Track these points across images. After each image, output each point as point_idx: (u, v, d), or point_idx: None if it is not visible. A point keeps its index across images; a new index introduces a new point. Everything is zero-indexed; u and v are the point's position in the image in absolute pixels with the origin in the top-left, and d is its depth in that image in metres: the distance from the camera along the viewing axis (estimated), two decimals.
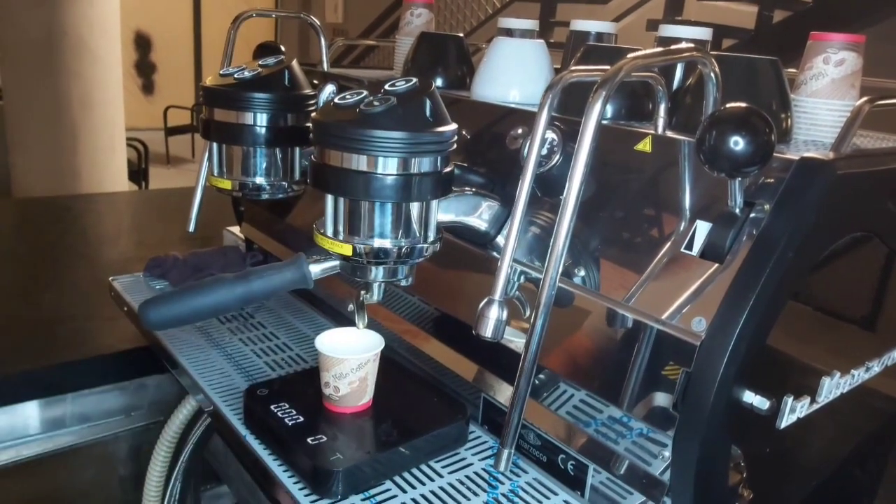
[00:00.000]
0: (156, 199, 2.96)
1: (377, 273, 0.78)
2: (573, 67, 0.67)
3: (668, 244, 0.71)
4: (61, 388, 1.36)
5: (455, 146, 0.75)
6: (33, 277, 1.76)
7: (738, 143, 0.59)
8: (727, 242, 0.66)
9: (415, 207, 0.75)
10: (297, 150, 1.00)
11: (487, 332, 0.68)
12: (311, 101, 0.99)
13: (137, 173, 5.77)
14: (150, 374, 1.44)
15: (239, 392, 0.96)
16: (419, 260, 0.77)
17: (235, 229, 1.58)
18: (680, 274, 0.69)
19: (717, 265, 0.67)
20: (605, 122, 0.86)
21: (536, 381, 0.83)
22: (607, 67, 0.67)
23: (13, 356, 1.35)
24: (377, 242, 0.74)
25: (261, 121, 0.94)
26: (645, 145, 0.76)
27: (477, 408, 0.95)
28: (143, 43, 8.89)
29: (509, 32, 1.16)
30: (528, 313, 0.87)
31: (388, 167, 0.70)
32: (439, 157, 0.73)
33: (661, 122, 0.77)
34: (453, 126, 0.74)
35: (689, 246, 0.69)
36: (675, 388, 0.67)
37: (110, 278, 1.32)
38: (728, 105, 0.62)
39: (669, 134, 0.76)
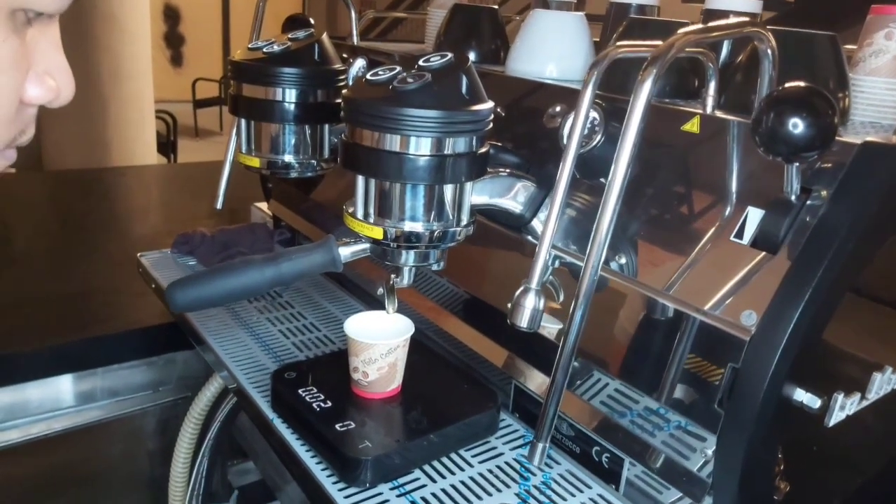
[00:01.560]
0: (184, 172, 2.97)
1: (408, 257, 0.75)
2: (620, 43, 0.63)
3: (715, 231, 0.67)
4: (91, 363, 1.36)
5: (491, 126, 0.71)
6: (63, 251, 1.77)
7: (797, 125, 0.55)
8: (782, 231, 0.62)
9: (448, 190, 0.72)
10: (327, 126, 0.97)
11: (523, 322, 0.65)
12: (341, 76, 0.96)
13: (166, 146, 5.81)
14: (178, 350, 1.44)
15: (266, 372, 0.95)
16: (452, 244, 0.74)
17: (263, 206, 1.56)
18: (727, 263, 0.65)
19: (768, 255, 0.63)
20: (656, 101, 0.82)
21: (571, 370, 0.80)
22: (656, 43, 0.64)
23: (44, 330, 1.35)
24: (408, 226, 0.71)
25: (290, 97, 0.92)
26: (693, 125, 0.72)
27: (508, 395, 0.92)
28: (171, 15, 8.90)
29: (546, 4, 1.12)
30: (561, 298, 0.85)
31: (421, 147, 0.67)
32: (475, 138, 0.70)
33: (710, 101, 0.72)
34: (490, 104, 0.70)
35: (740, 234, 0.65)
36: (719, 384, 0.64)
37: (138, 254, 1.31)
38: (787, 85, 0.58)
39: (719, 114, 0.72)
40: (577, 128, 0.63)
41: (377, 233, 0.72)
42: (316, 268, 0.75)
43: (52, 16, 0.45)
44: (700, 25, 0.60)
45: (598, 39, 1.05)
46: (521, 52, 0.98)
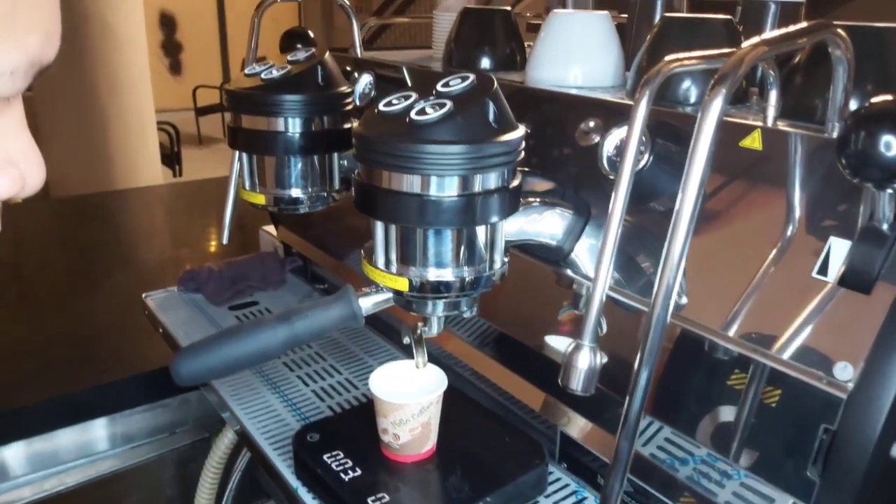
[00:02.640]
0: (190, 190, 2.89)
1: (436, 307, 0.67)
2: (673, 56, 0.54)
3: (791, 266, 0.58)
4: (102, 411, 1.30)
5: (523, 154, 0.63)
6: (68, 287, 1.70)
7: (893, 146, 0.46)
8: (876, 267, 0.53)
9: (479, 231, 0.63)
10: (336, 155, 0.89)
11: (577, 386, 0.56)
12: (347, 99, 0.87)
13: (170, 157, 5.74)
14: (193, 389, 1.36)
15: (285, 428, 0.87)
16: (485, 290, 0.65)
17: (272, 229, 1.48)
18: (810, 305, 0.56)
19: (860, 295, 0.54)
20: (687, 110, 0.73)
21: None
22: (714, 53, 0.55)
23: (50, 379, 1.29)
24: (436, 274, 0.63)
25: (294, 126, 0.83)
26: (753, 141, 0.63)
27: (553, 441, 0.84)
28: (167, 23, 8.81)
29: (563, 3, 1.02)
30: (604, 330, 0.76)
31: (447, 188, 0.59)
32: (507, 170, 0.61)
33: (771, 112, 0.63)
34: (521, 131, 0.62)
35: (823, 270, 0.56)
36: (804, 445, 0.55)
37: (143, 295, 1.23)
38: (879, 100, 0.48)
39: (783, 127, 0.63)
40: (628, 153, 0.54)
41: (401, 284, 0.64)
42: (334, 324, 0.67)
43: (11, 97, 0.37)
44: (770, 34, 0.51)
45: None
46: (542, 59, 0.89)
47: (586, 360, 0.56)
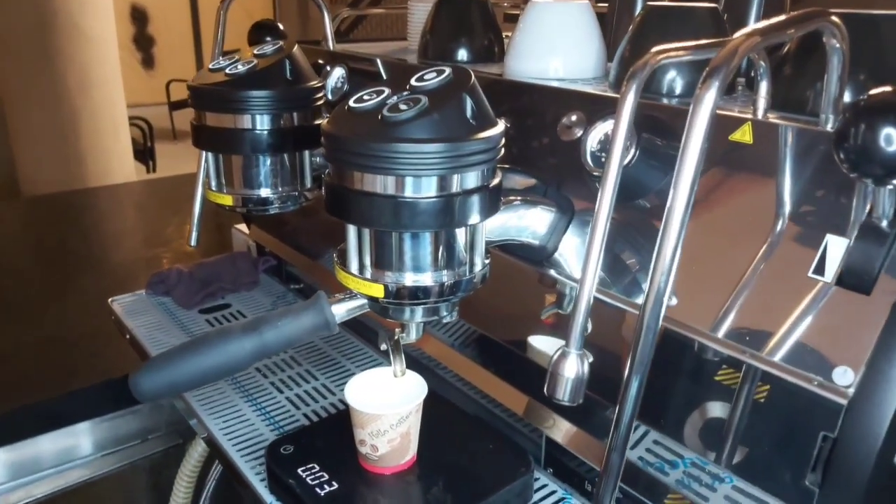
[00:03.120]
0: (163, 187, 2.83)
1: (414, 313, 0.63)
2: (660, 48, 0.51)
3: (785, 265, 0.56)
4: (71, 419, 1.25)
5: (503, 152, 0.59)
6: (36, 289, 1.64)
7: (894, 140, 0.44)
8: (876, 266, 0.50)
9: (459, 233, 0.60)
10: (307, 153, 0.85)
11: (564, 395, 0.53)
12: (318, 94, 0.83)
13: (143, 152, 5.64)
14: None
15: (256, 439, 0.83)
16: (465, 294, 0.62)
17: (244, 227, 1.44)
18: (806, 306, 0.54)
19: (859, 295, 0.51)
20: (673, 102, 0.70)
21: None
22: (703, 43, 0.52)
23: (18, 386, 1.24)
24: (413, 279, 0.60)
25: (261, 124, 0.79)
26: (744, 134, 0.60)
27: (537, 446, 0.81)
28: (139, 16, 8.65)
29: None
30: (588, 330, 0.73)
31: (423, 189, 0.55)
32: (487, 169, 0.58)
33: (762, 104, 0.60)
34: (500, 126, 0.58)
35: (820, 269, 0.53)
36: (808, 454, 0.53)
37: (110, 300, 1.18)
38: (879, 91, 0.46)
39: (774, 119, 0.60)
40: (615, 153, 0.51)
41: (377, 290, 0.60)
42: (306, 333, 0.63)
43: None
44: (763, 23, 0.48)
45: None
46: (521, 50, 0.86)
47: (573, 369, 0.53)
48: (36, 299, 1.58)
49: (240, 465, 0.80)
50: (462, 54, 0.98)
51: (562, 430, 0.79)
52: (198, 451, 1.13)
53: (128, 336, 1.10)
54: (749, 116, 0.61)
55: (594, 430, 0.75)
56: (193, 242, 1.02)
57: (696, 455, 0.66)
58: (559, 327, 0.78)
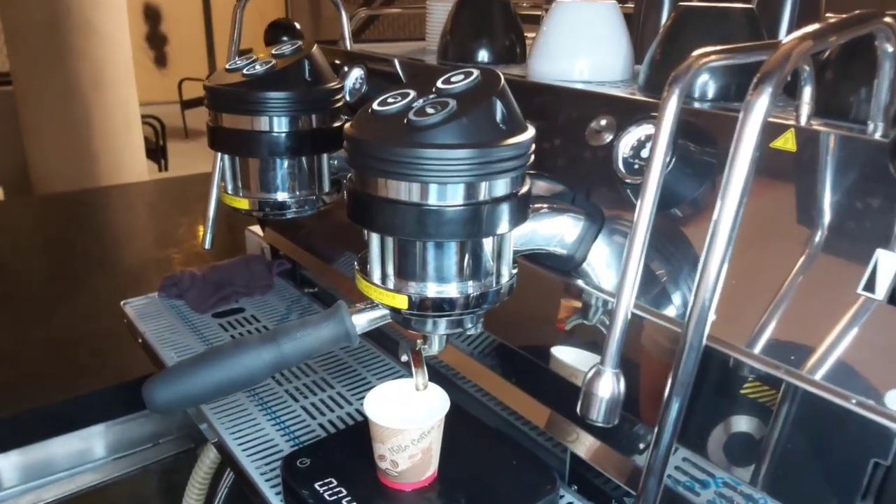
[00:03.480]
0: (177, 187, 2.81)
1: (438, 325, 0.61)
2: (705, 50, 0.49)
3: (831, 282, 0.53)
4: (81, 423, 1.23)
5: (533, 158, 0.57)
6: (46, 290, 1.63)
7: None
8: None
9: (486, 243, 0.57)
10: (325, 156, 0.83)
11: (598, 416, 0.51)
12: (337, 95, 0.81)
13: (155, 151, 5.65)
14: None
15: (272, 451, 0.81)
16: (492, 307, 0.60)
17: (259, 229, 1.42)
18: (854, 325, 0.51)
19: None
20: (705, 106, 0.67)
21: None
22: (749, 45, 0.49)
23: (28, 389, 1.22)
24: (438, 290, 0.57)
25: (279, 126, 0.77)
26: (786, 141, 0.57)
27: (561, 461, 0.79)
28: (152, 15, 8.67)
29: None
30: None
31: (450, 196, 0.53)
32: (516, 176, 0.55)
33: (805, 110, 0.57)
34: (531, 132, 0.56)
35: (870, 286, 0.50)
36: (856, 481, 0.50)
37: (122, 303, 1.17)
38: None
39: (817, 126, 0.57)
40: (656, 161, 0.48)
41: (400, 301, 0.58)
42: (326, 345, 0.61)
43: None
44: (815, 27, 0.45)
45: None
46: (545, 51, 0.83)
47: (608, 388, 0.50)
48: (45, 299, 1.57)
49: (253, 475, 0.77)
50: (483, 55, 0.95)
51: (585, 445, 0.76)
52: (210, 456, 1.11)
53: (140, 340, 1.08)
54: (792, 123, 0.58)
55: (620, 446, 0.72)
56: (208, 245, 1.00)
57: (729, 475, 0.64)
58: (583, 338, 0.75)
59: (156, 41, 8.80)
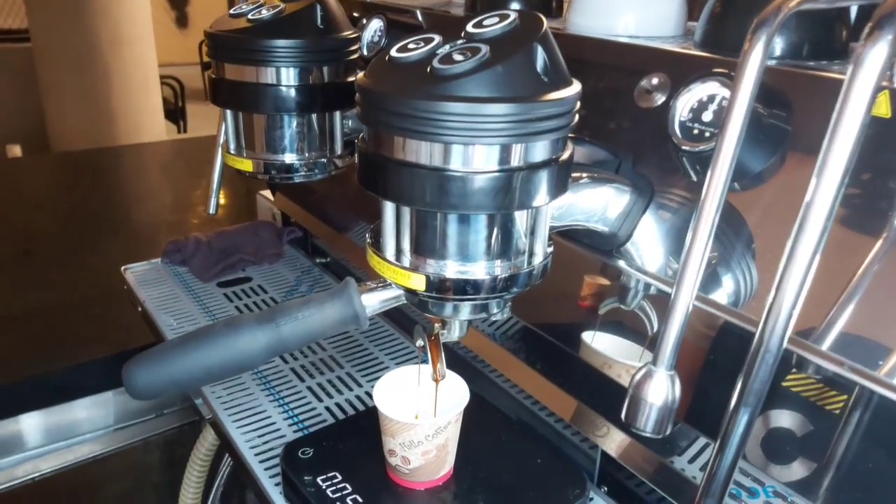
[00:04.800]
0: (193, 148, 2.74)
1: (460, 310, 0.53)
2: None
3: None
4: (81, 391, 1.18)
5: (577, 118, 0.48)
6: (50, 253, 1.57)
7: None
8: None
9: (519, 217, 0.49)
10: (338, 114, 0.75)
11: (646, 424, 0.43)
12: (352, 46, 0.72)
13: (174, 112, 5.59)
14: None
15: (274, 435, 0.75)
16: (522, 291, 0.52)
17: (269, 194, 1.34)
18: None
19: None
20: (780, 64, 0.58)
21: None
22: None
23: (25, 356, 1.17)
24: (461, 270, 0.49)
25: (287, 78, 0.69)
26: (879, 106, 0.48)
27: (590, 459, 0.71)
28: None
29: None
30: (655, 327, 0.63)
31: (480, 160, 0.44)
32: (558, 139, 0.47)
33: None
34: (576, 86, 0.47)
35: None
36: None
37: (123, 268, 1.10)
38: None
39: None
40: (732, 126, 0.39)
41: (417, 281, 0.50)
42: (331, 327, 0.53)
43: None
44: None
45: None
46: (586, 3, 0.74)
47: (661, 393, 0.42)
48: (51, 261, 1.51)
49: (251, 462, 0.71)
50: (515, 5, 0.86)
51: (616, 442, 0.69)
52: (212, 432, 1.05)
53: (139, 308, 1.01)
54: (885, 84, 0.48)
55: (656, 445, 0.65)
56: (212, 210, 0.93)
57: (780, 483, 0.56)
58: (618, 325, 0.67)
59: (177, 1, 8.69)
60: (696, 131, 0.55)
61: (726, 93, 0.53)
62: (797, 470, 0.55)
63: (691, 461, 0.63)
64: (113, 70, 4.18)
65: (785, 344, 0.38)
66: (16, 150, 4.01)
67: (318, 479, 0.62)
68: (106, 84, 4.17)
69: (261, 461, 0.71)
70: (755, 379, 0.39)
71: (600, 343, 0.69)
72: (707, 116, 0.54)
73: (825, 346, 0.48)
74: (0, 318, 1.26)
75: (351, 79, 0.73)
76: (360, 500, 0.60)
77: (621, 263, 0.61)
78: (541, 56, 0.45)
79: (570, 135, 0.50)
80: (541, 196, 0.47)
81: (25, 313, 1.28)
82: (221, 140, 0.84)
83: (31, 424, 1.16)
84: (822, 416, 0.52)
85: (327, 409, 0.79)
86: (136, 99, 4.34)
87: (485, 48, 0.44)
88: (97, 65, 4.11)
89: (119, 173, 2.31)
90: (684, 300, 0.41)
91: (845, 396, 0.51)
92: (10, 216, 1.80)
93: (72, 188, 2.08)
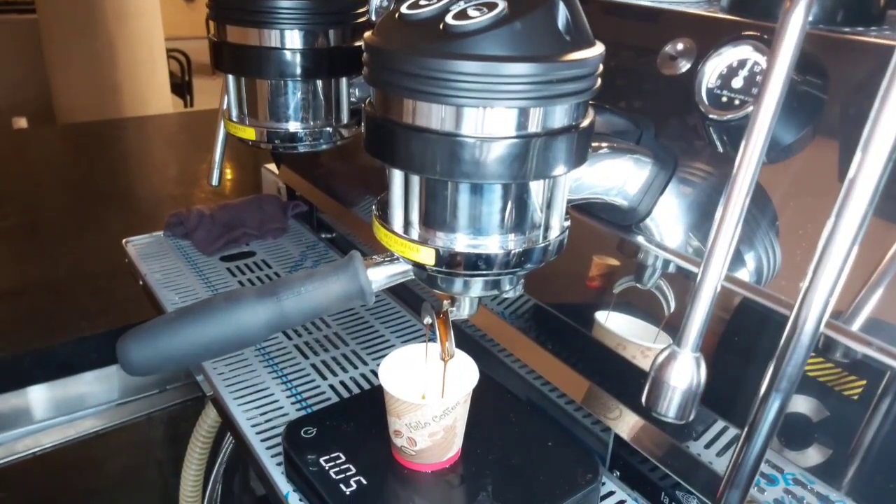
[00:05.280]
0: (199, 120, 2.71)
1: (470, 287, 0.50)
2: None
3: None
4: (83, 366, 1.16)
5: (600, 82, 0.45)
6: (53, 225, 1.55)
7: None
8: None
9: (535, 187, 0.46)
10: (344, 80, 0.71)
11: (668, 408, 0.40)
12: (360, 9, 0.69)
13: (181, 86, 5.55)
14: None
15: (275, 406, 0.73)
16: (536, 267, 0.49)
17: (274, 167, 1.31)
18: None
19: None
20: (815, 29, 0.55)
21: None
22: None
23: (26, 329, 1.15)
24: (473, 244, 0.46)
25: (291, 41, 0.66)
26: None
27: (603, 442, 0.69)
28: None
29: None
30: (672, 308, 0.60)
31: (495, 125, 0.41)
32: (580, 104, 0.44)
33: None
34: (600, 47, 0.44)
35: None
36: None
37: (124, 241, 1.08)
38: None
39: None
40: (769, 94, 0.36)
41: (426, 255, 0.47)
42: (336, 303, 0.51)
43: None
44: None
45: None
46: None
47: (686, 376, 0.39)
48: (56, 233, 1.49)
49: (252, 441, 0.69)
50: None
51: (629, 425, 0.66)
52: (215, 408, 1.04)
53: (140, 282, 0.99)
54: None
55: (671, 428, 0.62)
56: (215, 182, 0.90)
57: (801, 471, 0.53)
58: (633, 304, 0.64)
59: None
60: (724, 99, 0.51)
61: (759, 58, 0.50)
62: (816, 456, 0.52)
63: (707, 446, 0.60)
64: (119, 43, 4.14)
65: (823, 326, 0.35)
66: (21, 123, 3.98)
67: (321, 460, 0.60)
68: (111, 57, 4.13)
69: (262, 440, 0.69)
70: (789, 362, 0.36)
71: (614, 323, 0.67)
72: (737, 83, 0.51)
73: (855, 327, 0.45)
74: (4, 291, 1.24)
75: (358, 43, 0.70)
76: (364, 481, 0.58)
77: (640, 240, 0.58)
78: (563, 13, 0.42)
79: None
80: (559, 165, 0.44)
81: (29, 286, 1.26)
82: (224, 108, 0.82)
83: (33, 398, 1.14)
84: (839, 401, 0.49)
85: (331, 387, 0.77)
86: (141, 72, 4.30)
87: (502, 3, 0.41)
88: (102, 37, 4.07)
89: (125, 145, 2.28)
90: (712, 279, 0.38)
91: (864, 381, 0.48)
92: (16, 188, 1.78)
93: (77, 160, 2.06)
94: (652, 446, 0.64)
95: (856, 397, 0.49)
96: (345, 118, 0.72)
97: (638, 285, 0.64)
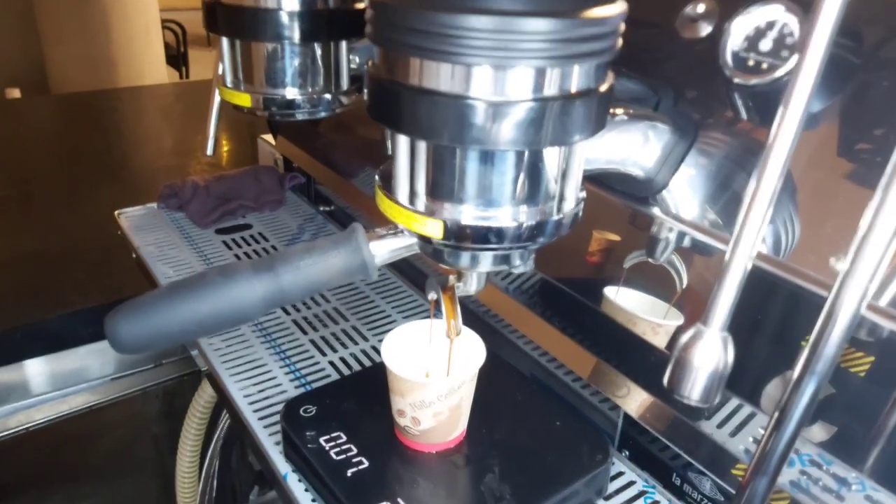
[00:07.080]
0: (195, 90, 2.66)
1: (479, 261, 0.48)
2: None
3: None
4: (77, 340, 1.14)
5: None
6: (45, 197, 1.52)
7: None
8: None
9: (550, 156, 0.43)
10: (344, 44, 0.68)
11: (692, 391, 0.38)
12: None
13: (177, 58, 5.47)
14: None
15: (273, 384, 0.70)
16: (549, 241, 0.46)
17: (271, 138, 1.28)
18: None
19: None
20: None
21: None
22: None
23: (18, 302, 1.12)
24: (482, 216, 0.44)
25: (290, 1, 0.62)
26: None
27: (611, 422, 0.67)
28: None
29: None
30: (683, 283, 0.58)
31: (508, 86, 0.38)
32: (599, 64, 0.41)
33: None
34: (622, 4, 0.41)
35: None
36: None
37: (117, 213, 1.05)
38: None
39: None
40: (810, 58, 0.33)
41: (433, 228, 0.44)
42: (336, 277, 0.48)
43: None
44: None
45: None
46: None
47: (713, 357, 0.37)
48: (50, 204, 1.46)
49: (250, 419, 0.67)
50: None
51: (638, 402, 0.64)
52: (201, 402, 1.02)
53: (134, 255, 0.96)
54: None
55: (682, 406, 0.60)
56: (209, 151, 0.87)
57: (818, 451, 0.52)
58: (645, 280, 0.62)
59: None
60: (751, 62, 0.48)
61: (790, 18, 0.47)
62: (835, 437, 0.50)
63: (720, 425, 0.58)
64: (113, 13, 4.08)
65: (866, 304, 0.32)
66: (15, 94, 3.92)
67: (321, 439, 0.58)
68: (105, 28, 4.06)
69: (260, 418, 0.67)
70: (826, 343, 0.34)
71: (624, 298, 0.64)
72: (765, 45, 0.48)
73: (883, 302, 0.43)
74: None
75: (360, 5, 0.66)
76: (365, 462, 0.56)
77: (657, 212, 0.55)
78: None
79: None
80: (577, 132, 0.41)
81: (23, 257, 1.24)
82: (219, 73, 0.78)
83: (26, 373, 1.12)
84: (846, 377, 0.47)
85: (331, 363, 0.75)
86: (136, 44, 4.24)
87: None
88: (96, 8, 4.01)
89: (119, 116, 2.23)
90: (743, 255, 0.36)
91: (872, 358, 0.46)
92: (8, 158, 1.74)
93: (70, 131, 2.02)
94: (662, 425, 0.62)
95: (862, 374, 0.48)
96: (344, 84, 0.69)
97: (650, 260, 0.61)
